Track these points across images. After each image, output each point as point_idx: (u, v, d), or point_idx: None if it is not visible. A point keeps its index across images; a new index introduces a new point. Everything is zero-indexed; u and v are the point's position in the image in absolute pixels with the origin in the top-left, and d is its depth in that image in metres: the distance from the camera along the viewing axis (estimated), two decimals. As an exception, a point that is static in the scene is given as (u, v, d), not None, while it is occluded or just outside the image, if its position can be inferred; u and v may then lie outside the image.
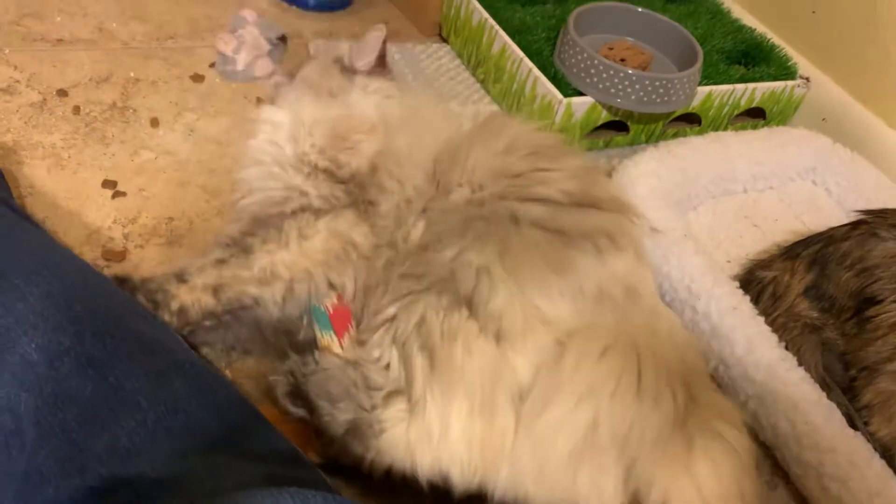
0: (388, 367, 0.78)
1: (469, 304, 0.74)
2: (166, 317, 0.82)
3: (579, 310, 0.76)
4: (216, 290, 0.84)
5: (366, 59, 1.02)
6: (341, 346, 0.84)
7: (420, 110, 0.98)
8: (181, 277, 0.84)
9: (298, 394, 0.78)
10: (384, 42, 1.02)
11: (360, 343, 0.83)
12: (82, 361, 0.65)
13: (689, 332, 0.97)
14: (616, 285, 0.79)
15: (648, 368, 0.73)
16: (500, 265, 0.75)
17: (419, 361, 0.74)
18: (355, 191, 0.90)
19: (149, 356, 0.68)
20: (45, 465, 0.60)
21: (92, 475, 0.59)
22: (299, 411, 0.78)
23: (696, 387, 0.76)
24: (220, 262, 0.85)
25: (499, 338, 0.73)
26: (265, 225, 0.88)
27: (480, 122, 0.94)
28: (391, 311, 0.78)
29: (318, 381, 0.78)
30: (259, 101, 1.24)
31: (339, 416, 0.76)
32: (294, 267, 0.85)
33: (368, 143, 0.93)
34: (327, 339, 0.85)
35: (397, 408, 0.75)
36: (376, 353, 0.79)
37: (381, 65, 1.03)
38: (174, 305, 0.82)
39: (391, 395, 0.76)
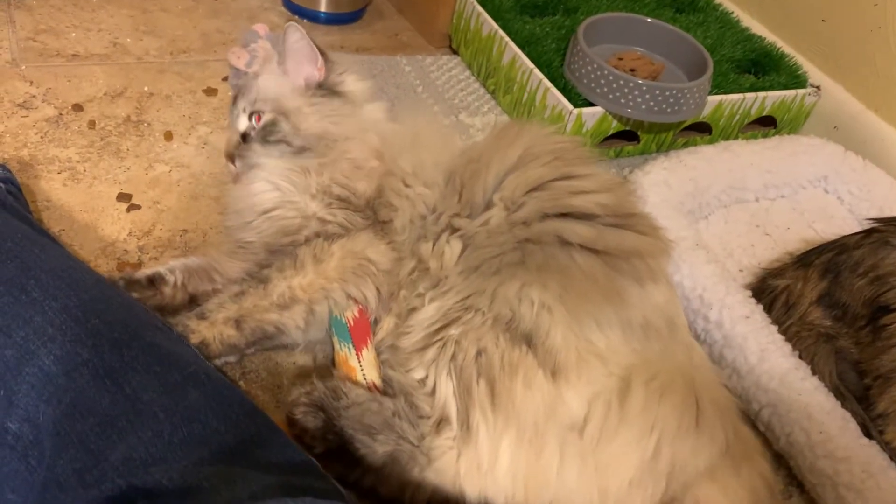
0: (433, 392, 0.78)
1: (528, 339, 0.76)
2: None
3: (629, 342, 0.78)
4: (238, 322, 0.84)
5: (317, 62, 0.98)
6: (359, 361, 0.85)
7: (419, 132, 0.99)
8: (201, 315, 0.85)
9: (332, 428, 0.77)
10: (308, 36, 0.98)
11: (397, 349, 0.83)
12: (100, 373, 0.65)
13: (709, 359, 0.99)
14: (658, 316, 0.81)
15: (706, 405, 0.77)
16: (562, 304, 0.77)
17: (478, 392, 0.75)
18: (371, 215, 0.92)
19: (165, 368, 0.68)
20: (64, 475, 0.61)
21: (109, 485, 0.60)
22: (329, 444, 0.77)
23: (735, 419, 0.80)
24: (239, 294, 0.86)
25: (555, 373, 0.74)
26: (279, 254, 0.89)
27: (496, 132, 0.95)
28: (452, 332, 0.78)
29: (354, 415, 0.78)
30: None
31: (378, 449, 0.76)
32: (310, 288, 0.86)
33: (380, 166, 0.95)
34: (345, 351, 0.85)
35: (446, 436, 0.76)
36: (420, 375, 0.80)
37: (325, 58, 1.00)
38: (194, 339, 0.82)
39: (440, 423, 0.77)
